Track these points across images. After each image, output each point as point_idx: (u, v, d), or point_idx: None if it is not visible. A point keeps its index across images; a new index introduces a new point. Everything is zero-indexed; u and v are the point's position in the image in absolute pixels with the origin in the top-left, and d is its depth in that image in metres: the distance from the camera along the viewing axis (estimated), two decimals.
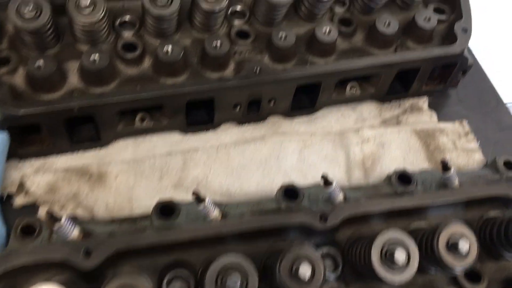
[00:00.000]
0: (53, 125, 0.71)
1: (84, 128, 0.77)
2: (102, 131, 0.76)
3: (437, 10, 0.87)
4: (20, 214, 0.61)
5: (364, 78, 0.85)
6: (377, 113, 0.89)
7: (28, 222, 0.59)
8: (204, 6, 0.73)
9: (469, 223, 0.63)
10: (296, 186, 0.66)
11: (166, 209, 0.62)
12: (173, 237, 0.59)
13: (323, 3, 0.78)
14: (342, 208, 0.63)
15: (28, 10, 0.67)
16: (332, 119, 0.86)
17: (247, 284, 0.53)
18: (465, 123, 0.88)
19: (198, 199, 0.59)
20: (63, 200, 0.72)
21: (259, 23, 0.81)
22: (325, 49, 0.80)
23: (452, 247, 0.59)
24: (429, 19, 0.82)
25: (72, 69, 0.72)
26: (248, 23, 0.81)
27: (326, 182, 0.63)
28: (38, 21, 0.67)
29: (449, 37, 0.84)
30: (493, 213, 0.69)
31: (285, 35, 0.77)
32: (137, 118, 0.78)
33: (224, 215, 0.62)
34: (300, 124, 0.85)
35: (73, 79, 0.72)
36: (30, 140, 0.75)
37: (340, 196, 0.65)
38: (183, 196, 0.69)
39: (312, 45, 0.80)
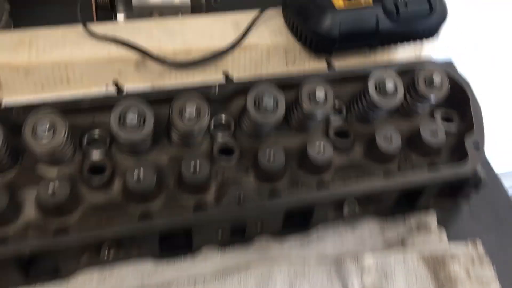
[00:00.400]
0: (2, 263, 0.61)
1: (41, 259, 0.67)
2: (62, 263, 0.66)
3: (445, 119, 0.78)
4: None
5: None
6: (379, 232, 0.79)
7: None
8: (181, 126, 0.65)
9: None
10: None
11: None
12: None
13: (315, 118, 0.70)
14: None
15: None
16: (328, 242, 0.76)
17: None
18: (479, 244, 0.78)
19: None
20: None
21: (245, 136, 0.72)
22: (318, 168, 0.71)
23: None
24: (436, 133, 0.73)
25: (30, 197, 0.64)
26: (233, 136, 0.72)
27: None
28: None
29: (459, 149, 0.75)
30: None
31: (273, 155, 0.68)
32: (103, 247, 0.68)
33: None
34: (291, 248, 0.75)
35: (30, 211, 0.63)
36: None
37: None
38: None
39: (304, 162, 0.71)
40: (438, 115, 0.78)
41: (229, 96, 0.73)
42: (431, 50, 0.95)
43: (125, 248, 0.69)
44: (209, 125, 0.71)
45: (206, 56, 0.85)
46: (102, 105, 0.69)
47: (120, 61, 0.83)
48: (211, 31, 0.89)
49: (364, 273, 0.72)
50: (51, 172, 0.66)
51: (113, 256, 0.68)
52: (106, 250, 0.68)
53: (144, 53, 0.82)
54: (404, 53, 0.94)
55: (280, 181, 0.71)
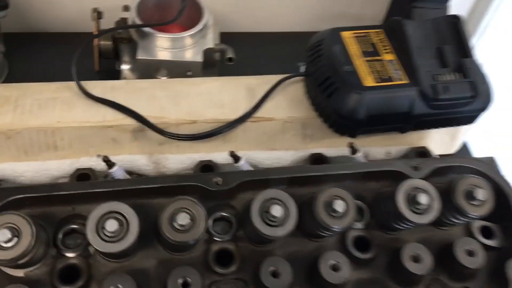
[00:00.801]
0: None
1: None
2: None
3: (484, 232, 0.67)
4: None
5: None
6: None
7: None
8: (171, 237, 0.54)
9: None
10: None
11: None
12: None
13: (331, 231, 0.59)
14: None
15: None
16: None
17: None
18: None
19: None
20: None
21: (248, 241, 0.62)
22: (331, 287, 0.60)
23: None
24: (473, 253, 0.62)
25: None
26: (234, 239, 0.62)
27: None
28: None
29: (500, 273, 0.63)
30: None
31: (278, 271, 0.57)
32: None
33: None
34: None
35: None
36: None
37: None
38: None
39: (315, 280, 0.60)
40: (475, 229, 0.66)
41: (233, 188, 0.63)
42: (468, 135, 0.84)
43: None
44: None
45: (213, 129, 0.74)
46: (84, 194, 0.59)
47: (116, 128, 0.73)
48: (221, 97, 0.79)
49: None
50: (17, 273, 0.57)
51: None
52: None
53: (144, 122, 0.73)
54: (438, 136, 0.83)
55: None
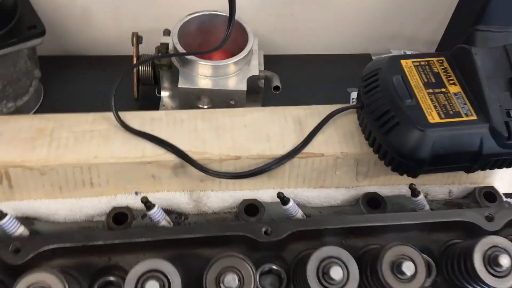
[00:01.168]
0: None
1: None
2: None
3: None
4: None
5: None
6: None
7: None
8: None
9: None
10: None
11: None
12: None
13: None
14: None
15: None
16: None
17: None
18: None
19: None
20: None
21: None
22: None
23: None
24: None
25: None
26: None
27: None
28: None
29: None
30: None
31: None
32: None
33: None
34: None
35: None
36: None
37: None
38: None
39: None
40: None
41: (284, 238, 0.57)
42: None
43: None
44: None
45: (259, 167, 0.69)
46: (121, 243, 0.54)
47: (155, 164, 0.68)
48: (267, 130, 0.73)
49: None
50: None
51: None
52: None
53: (185, 158, 0.67)
54: (506, 175, 0.75)
55: None
